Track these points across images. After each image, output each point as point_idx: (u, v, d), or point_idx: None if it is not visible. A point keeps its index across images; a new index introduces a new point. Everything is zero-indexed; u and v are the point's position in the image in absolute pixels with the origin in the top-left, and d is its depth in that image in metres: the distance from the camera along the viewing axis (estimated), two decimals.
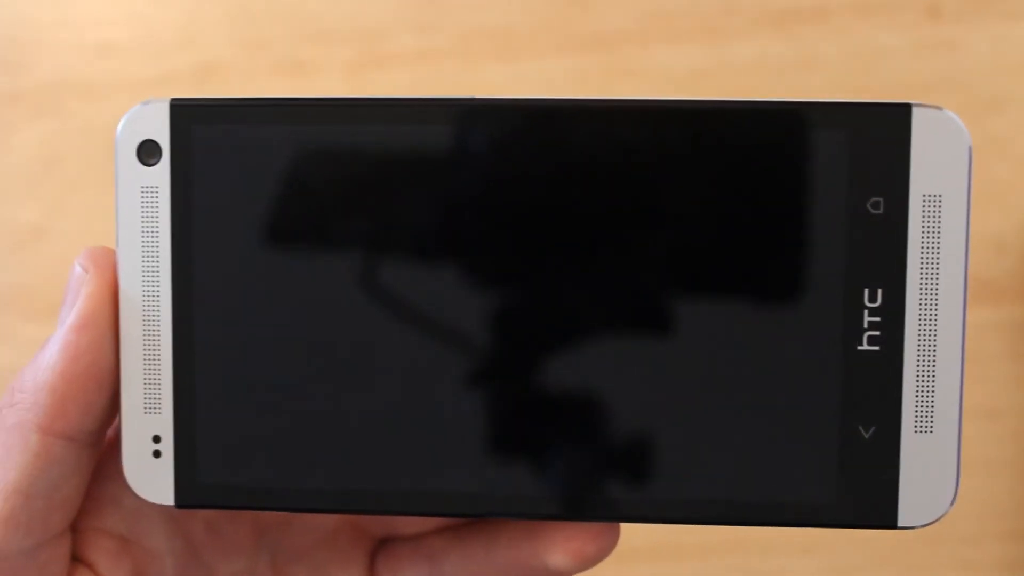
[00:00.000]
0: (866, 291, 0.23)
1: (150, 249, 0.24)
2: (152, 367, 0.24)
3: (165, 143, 0.24)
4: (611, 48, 0.44)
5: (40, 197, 0.45)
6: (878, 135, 0.23)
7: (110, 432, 0.25)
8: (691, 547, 0.45)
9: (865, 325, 0.23)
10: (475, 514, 0.26)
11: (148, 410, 0.24)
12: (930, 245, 0.23)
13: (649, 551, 0.44)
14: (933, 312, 0.23)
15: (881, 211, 0.23)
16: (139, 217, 0.24)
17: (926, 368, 0.23)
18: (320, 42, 0.44)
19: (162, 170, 0.24)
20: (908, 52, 0.44)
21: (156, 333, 0.24)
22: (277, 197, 0.24)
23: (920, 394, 0.23)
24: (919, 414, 0.23)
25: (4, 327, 0.45)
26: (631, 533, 0.44)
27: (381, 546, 0.28)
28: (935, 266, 0.23)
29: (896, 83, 0.44)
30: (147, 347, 0.24)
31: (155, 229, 0.24)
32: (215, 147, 0.24)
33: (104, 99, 0.45)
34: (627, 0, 0.44)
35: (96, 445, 0.24)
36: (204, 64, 0.45)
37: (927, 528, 0.48)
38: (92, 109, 0.45)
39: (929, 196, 0.23)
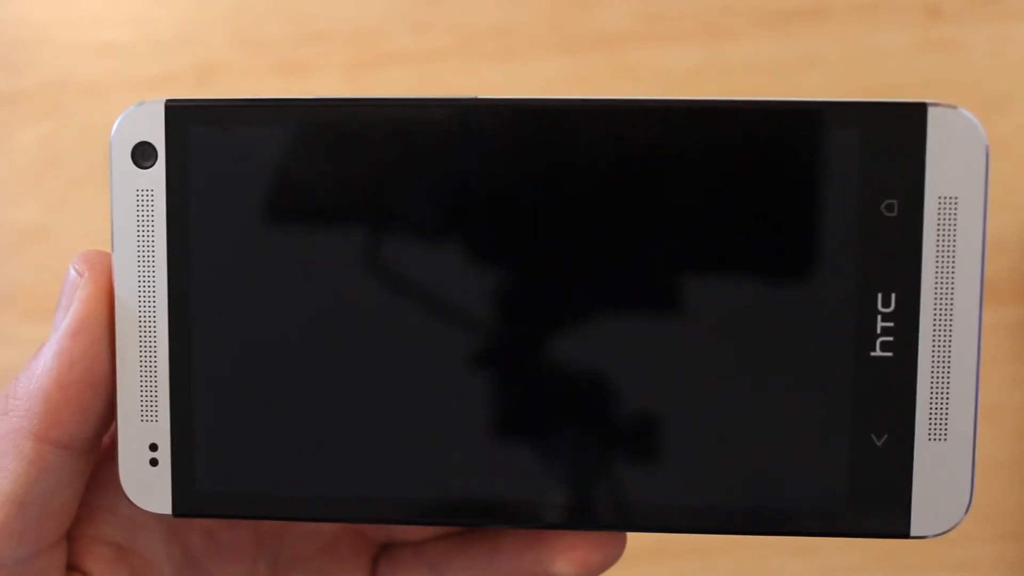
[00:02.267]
0: (879, 296, 0.23)
1: (146, 253, 0.24)
2: (148, 374, 0.24)
3: (160, 145, 0.23)
4: (611, 48, 0.44)
5: (40, 197, 0.45)
6: (892, 135, 0.22)
7: (106, 439, 0.25)
8: (691, 547, 0.45)
9: (878, 331, 0.23)
10: (480, 523, 0.25)
11: (144, 418, 0.24)
12: (945, 249, 0.22)
13: (649, 551, 0.44)
14: (948, 318, 0.23)
15: (895, 214, 0.22)
16: (135, 220, 0.23)
17: (940, 375, 0.23)
18: (320, 42, 0.44)
19: (158, 172, 0.23)
20: (908, 52, 0.44)
21: (152, 339, 0.24)
22: (275, 199, 0.23)
23: (934, 401, 0.23)
24: (933, 422, 0.23)
25: (4, 327, 0.45)
26: (631, 533, 0.45)
27: (382, 552, 0.28)
28: (951, 270, 0.22)
29: (896, 83, 0.44)
30: (143, 353, 0.24)
31: (151, 232, 0.24)
32: (211, 149, 0.23)
33: (104, 99, 0.45)
34: (627, 0, 0.44)
35: (91, 452, 0.24)
36: (204, 64, 0.45)
37: None
38: (92, 109, 0.45)
39: (945, 198, 0.22)
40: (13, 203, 0.45)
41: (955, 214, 0.22)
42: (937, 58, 0.44)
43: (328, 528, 0.28)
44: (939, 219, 0.22)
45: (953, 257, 0.22)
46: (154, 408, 0.24)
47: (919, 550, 0.44)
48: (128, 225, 0.24)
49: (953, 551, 0.44)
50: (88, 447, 0.24)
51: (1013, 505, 0.44)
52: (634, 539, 0.44)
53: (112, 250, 0.24)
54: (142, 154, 0.23)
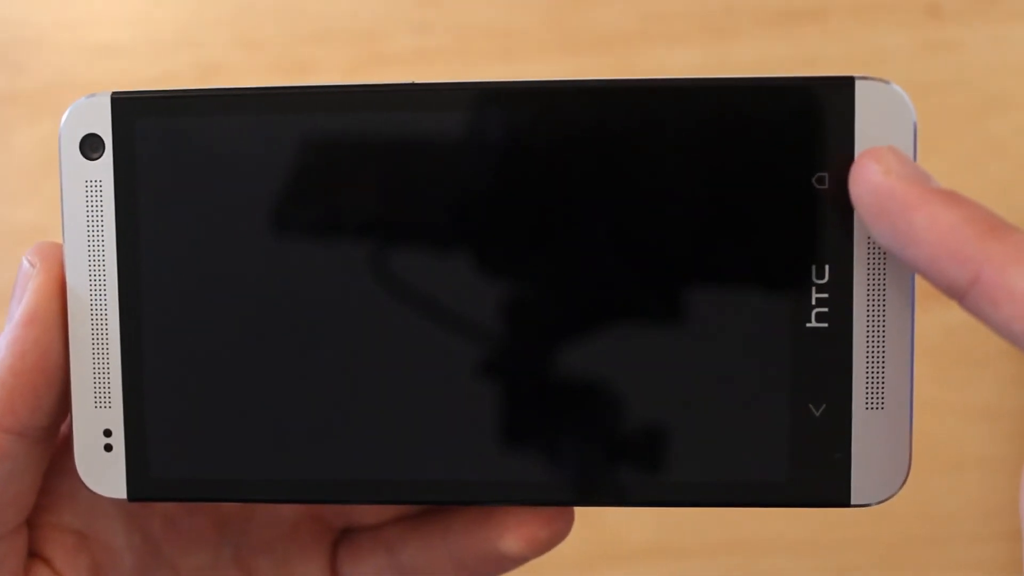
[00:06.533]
0: (813, 268, 0.23)
1: (96, 243, 0.24)
2: (101, 361, 0.24)
3: (108, 137, 0.24)
4: (611, 48, 0.44)
5: (40, 197, 0.45)
6: (821, 109, 0.23)
7: (65, 427, 0.25)
8: (691, 547, 0.45)
9: (813, 302, 0.23)
10: (432, 501, 0.26)
11: (98, 404, 0.24)
12: None
13: (649, 551, 0.44)
14: (881, 287, 0.23)
15: (826, 186, 0.23)
16: (84, 211, 0.24)
17: (875, 344, 0.23)
18: (320, 42, 0.44)
19: (105, 164, 0.24)
20: (908, 52, 0.44)
21: (104, 327, 0.24)
22: (221, 189, 0.24)
23: (870, 370, 0.23)
24: (869, 390, 0.23)
25: (4, 327, 0.45)
26: (630, 533, 0.45)
27: (342, 537, 0.28)
28: None
29: (896, 83, 0.44)
30: (95, 341, 0.24)
31: (100, 223, 0.24)
32: (158, 140, 0.24)
33: None
34: (627, 0, 0.44)
35: (48, 440, 0.24)
36: (204, 64, 0.45)
37: (927, 528, 0.48)
38: None
39: None
40: (13, 203, 0.45)
41: None
42: (937, 58, 0.44)
43: (288, 515, 0.28)
44: None
45: None
46: (107, 394, 0.24)
47: (920, 550, 0.44)
48: (78, 216, 0.24)
49: (953, 551, 0.44)
50: (44, 435, 0.24)
51: (1013, 505, 0.44)
52: (634, 538, 0.44)
53: (63, 240, 0.24)
54: (90, 146, 0.24)
